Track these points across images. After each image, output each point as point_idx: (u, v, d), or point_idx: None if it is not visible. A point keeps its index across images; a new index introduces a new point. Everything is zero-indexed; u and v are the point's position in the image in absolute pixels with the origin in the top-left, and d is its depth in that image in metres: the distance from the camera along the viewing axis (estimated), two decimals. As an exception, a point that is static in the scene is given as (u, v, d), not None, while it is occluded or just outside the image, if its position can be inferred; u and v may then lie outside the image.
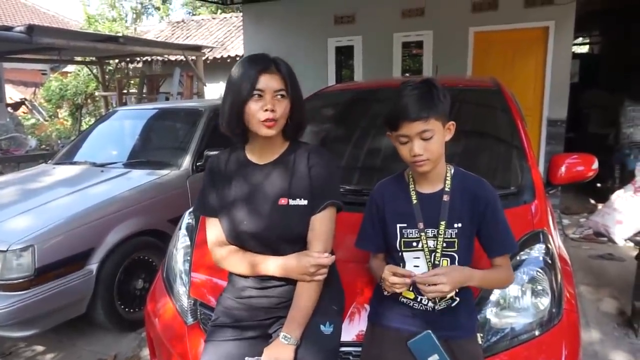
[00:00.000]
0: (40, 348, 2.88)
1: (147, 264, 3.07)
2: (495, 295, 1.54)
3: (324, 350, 1.38)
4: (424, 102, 1.28)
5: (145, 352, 2.68)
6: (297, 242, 1.41)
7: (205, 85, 9.25)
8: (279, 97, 1.35)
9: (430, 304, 1.37)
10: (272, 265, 1.38)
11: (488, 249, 1.39)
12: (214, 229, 1.47)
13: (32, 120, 11.86)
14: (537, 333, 1.48)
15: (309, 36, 6.54)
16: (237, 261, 1.43)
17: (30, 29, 5.55)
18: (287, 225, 1.40)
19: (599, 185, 5.51)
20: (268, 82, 1.34)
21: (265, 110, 1.33)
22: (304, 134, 1.52)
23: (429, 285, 1.26)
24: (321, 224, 1.40)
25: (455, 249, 1.35)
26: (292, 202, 1.40)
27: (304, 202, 1.40)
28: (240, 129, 1.39)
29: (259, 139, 1.41)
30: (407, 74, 6.58)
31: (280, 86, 1.36)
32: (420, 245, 1.36)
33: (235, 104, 1.35)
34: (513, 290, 1.55)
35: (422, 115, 1.27)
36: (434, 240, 1.35)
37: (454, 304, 1.38)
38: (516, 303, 1.54)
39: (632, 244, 4.20)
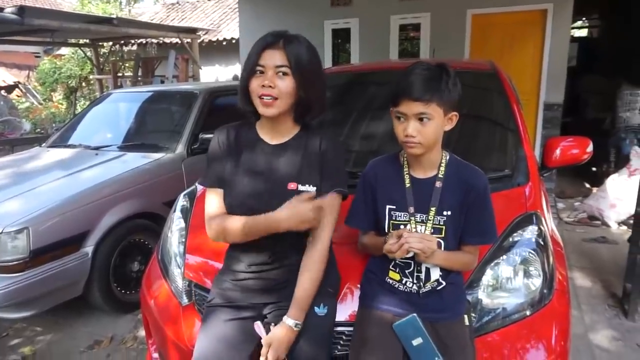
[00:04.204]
0: (37, 329, 2.90)
1: (143, 247, 3.08)
2: (487, 276, 1.55)
3: (318, 332, 1.39)
4: (431, 84, 1.26)
5: (142, 333, 2.71)
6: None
7: (201, 68, 9.18)
8: (280, 74, 1.31)
9: (414, 287, 1.38)
10: (282, 221, 1.32)
11: (467, 234, 1.39)
12: (215, 201, 1.44)
13: (26, 104, 11.76)
14: (528, 313, 1.50)
15: (305, 18, 6.45)
16: (234, 224, 1.37)
17: (22, 10, 5.47)
18: None
19: (594, 169, 5.53)
20: (270, 57, 1.30)
21: (262, 86, 1.30)
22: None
23: (421, 240, 1.27)
24: (327, 210, 1.39)
25: (443, 235, 1.36)
26: (301, 187, 1.38)
27: (313, 188, 1.39)
28: (250, 105, 1.37)
29: (268, 118, 1.38)
30: (405, 58, 6.53)
31: (283, 62, 1.30)
32: (408, 228, 1.36)
33: (242, 79, 1.35)
34: (505, 271, 1.57)
35: (425, 97, 1.25)
36: (422, 226, 1.36)
37: (439, 288, 1.39)
38: (508, 284, 1.55)
39: (625, 227, 4.24)
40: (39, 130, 8.56)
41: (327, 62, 6.51)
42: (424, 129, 1.28)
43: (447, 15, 5.78)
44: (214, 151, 1.47)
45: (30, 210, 2.55)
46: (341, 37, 6.73)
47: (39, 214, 2.54)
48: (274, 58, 1.31)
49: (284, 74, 1.31)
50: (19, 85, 13.33)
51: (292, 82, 1.32)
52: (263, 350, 1.33)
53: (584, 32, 12.14)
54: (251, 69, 1.32)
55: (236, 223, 1.37)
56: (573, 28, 9.15)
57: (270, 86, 1.30)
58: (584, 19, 10.63)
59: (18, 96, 12.63)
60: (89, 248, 2.73)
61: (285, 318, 1.35)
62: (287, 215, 1.32)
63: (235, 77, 9.84)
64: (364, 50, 6.35)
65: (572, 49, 6.10)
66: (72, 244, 2.66)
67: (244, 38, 7.08)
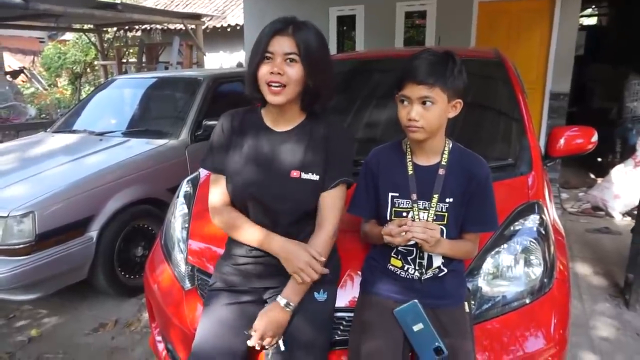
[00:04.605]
0: (43, 311, 2.95)
1: (147, 232, 3.11)
2: (488, 264, 1.56)
3: (318, 317, 1.40)
4: (436, 68, 1.26)
5: (145, 316, 2.75)
6: (301, 217, 1.41)
7: (205, 55, 9.13)
8: (288, 60, 1.29)
9: (416, 273, 1.39)
10: (275, 245, 1.37)
11: (468, 222, 1.39)
12: (219, 188, 1.45)
13: (32, 89, 11.76)
14: (527, 301, 1.50)
15: (310, 5, 6.39)
16: (240, 228, 1.41)
17: (26, -6, 5.44)
18: (296, 199, 1.38)
19: (599, 159, 5.49)
20: (279, 44, 1.29)
21: (271, 73, 1.29)
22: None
23: (424, 229, 1.28)
24: (332, 201, 1.39)
25: (445, 222, 1.36)
26: (304, 175, 1.38)
27: (316, 177, 1.38)
28: (258, 92, 1.35)
29: (275, 105, 1.36)
30: (411, 46, 6.46)
31: (292, 50, 1.29)
32: (410, 215, 1.36)
33: (251, 65, 1.33)
34: (506, 259, 1.57)
35: (429, 81, 1.25)
36: (425, 213, 1.36)
37: (440, 274, 1.39)
38: (508, 272, 1.56)
39: (629, 218, 4.22)
40: (44, 115, 8.57)
41: (332, 50, 6.45)
42: (427, 113, 1.28)
43: (453, 2, 5.71)
44: (218, 137, 1.46)
45: (35, 194, 2.58)
46: (346, 24, 6.67)
47: (44, 198, 2.56)
48: (283, 45, 1.29)
49: (293, 60, 1.30)
50: (24, 71, 13.33)
51: (300, 69, 1.31)
52: (254, 324, 1.34)
53: (592, 20, 11.95)
54: (260, 55, 1.31)
55: (244, 225, 1.40)
56: (582, 16, 9.01)
57: (279, 73, 1.29)
58: (593, 6, 10.46)
59: (23, 81, 12.63)
60: (93, 233, 2.76)
61: (278, 297, 1.36)
62: (283, 248, 1.36)
63: (239, 64, 9.80)
64: (369, 37, 6.30)
65: (580, 38, 6.01)
66: (77, 229, 2.69)
67: (249, 25, 7.03)
